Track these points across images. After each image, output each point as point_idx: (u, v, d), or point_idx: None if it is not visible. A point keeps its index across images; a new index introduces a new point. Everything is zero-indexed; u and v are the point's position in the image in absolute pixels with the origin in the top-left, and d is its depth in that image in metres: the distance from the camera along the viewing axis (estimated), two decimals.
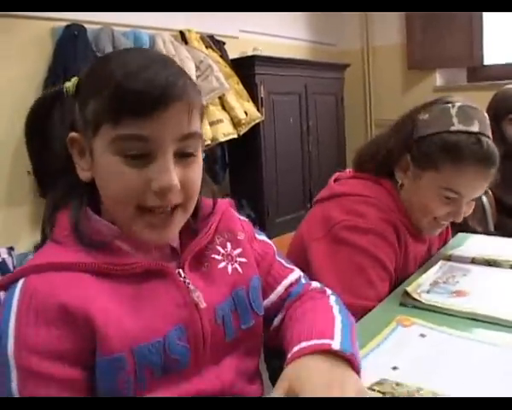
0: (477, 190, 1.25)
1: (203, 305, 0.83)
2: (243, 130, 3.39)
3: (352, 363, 0.76)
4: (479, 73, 4.36)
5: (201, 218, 0.93)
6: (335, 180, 1.44)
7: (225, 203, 1.00)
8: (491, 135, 1.26)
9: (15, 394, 0.69)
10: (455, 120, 1.22)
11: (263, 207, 3.62)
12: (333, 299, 0.97)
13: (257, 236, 1.04)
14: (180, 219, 0.83)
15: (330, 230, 1.27)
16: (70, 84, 0.85)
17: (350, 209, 1.28)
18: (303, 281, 1.04)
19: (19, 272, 0.76)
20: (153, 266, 0.82)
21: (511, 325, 1.01)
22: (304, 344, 0.79)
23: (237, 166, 3.64)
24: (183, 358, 0.81)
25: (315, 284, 1.04)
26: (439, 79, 4.51)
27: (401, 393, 0.78)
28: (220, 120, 3.25)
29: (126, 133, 0.74)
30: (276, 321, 0.98)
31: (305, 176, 4.01)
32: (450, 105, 1.24)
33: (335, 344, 0.77)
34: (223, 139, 3.25)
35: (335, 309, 0.91)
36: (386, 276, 1.24)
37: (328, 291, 1.01)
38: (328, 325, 0.84)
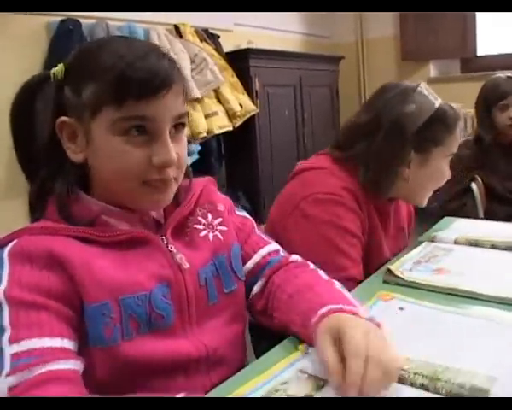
0: None
1: (186, 265, 0.91)
2: (238, 122, 3.43)
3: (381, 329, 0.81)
4: (472, 64, 4.39)
5: (182, 192, 0.99)
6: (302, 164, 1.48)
7: (205, 180, 1.07)
8: None
9: (7, 329, 0.73)
10: (431, 98, 1.32)
11: (259, 198, 3.65)
12: (322, 273, 1.02)
13: (236, 211, 1.10)
14: (174, 187, 0.91)
15: (294, 208, 1.32)
16: (58, 69, 0.88)
17: (310, 181, 1.34)
18: (282, 254, 1.09)
19: (12, 234, 0.83)
20: (137, 234, 0.88)
21: (490, 299, 1.04)
22: (332, 306, 0.84)
23: (233, 158, 3.67)
24: (168, 315, 0.87)
25: (295, 257, 1.08)
26: (432, 70, 4.55)
27: None
28: (215, 113, 3.29)
29: (129, 115, 0.82)
30: (257, 288, 1.03)
31: None
32: (419, 89, 1.32)
33: (362, 312, 0.84)
34: (218, 131, 3.29)
35: (337, 284, 0.97)
36: (354, 241, 1.29)
37: (312, 265, 1.06)
38: (343, 296, 0.90)
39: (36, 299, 0.75)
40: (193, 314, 0.90)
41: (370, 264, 1.33)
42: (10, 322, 0.74)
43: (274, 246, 1.09)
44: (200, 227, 0.98)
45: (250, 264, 1.04)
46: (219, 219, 1.01)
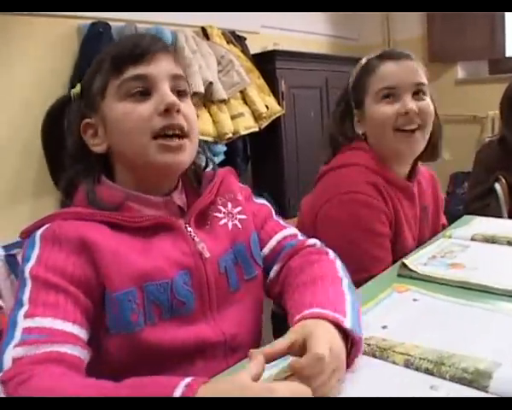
0: (401, 77, 1.35)
1: (207, 255, 0.95)
2: (264, 123, 3.46)
3: (356, 344, 0.79)
4: (501, 65, 4.35)
5: (205, 183, 1.04)
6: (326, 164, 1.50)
7: (225, 170, 1.11)
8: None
9: (26, 304, 0.78)
10: (364, 59, 1.44)
11: (284, 199, 3.67)
12: (339, 265, 1.01)
13: (254, 199, 1.14)
14: (189, 148, 0.95)
15: (319, 210, 1.35)
16: (76, 90, 1.00)
17: (333, 182, 1.37)
18: (300, 237, 1.10)
19: (45, 219, 0.89)
20: (163, 220, 0.93)
21: (504, 293, 1.04)
22: (316, 310, 0.80)
23: (259, 159, 3.70)
24: (189, 301, 0.91)
25: (313, 241, 1.09)
26: (460, 71, 4.52)
27: (385, 345, 0.84)
28: (241, 114, 3.32)
29: (129, 76, 0.92)
30: (272, 274, 1.06)
31: None
32: (361, 60, 1.45)
33: (347, 322, 0.79)
34: (244, 132, 3.31)
35: (345, 283, 0.93)
36: (380, 240, 1.31)
37: (331, 254, 1.05)
38: (341, 301, 0.86)
39: (58, 282, 0.80)
40: (214, 301, 0.95)
41: (394, 250, 1.36)
42: (30, 298, 0.78)
43: (291, 230, 1.11)
44: (220, 215, 1.02)
45: (266, 250, 1.07)
46: (239, 208, 1.05)
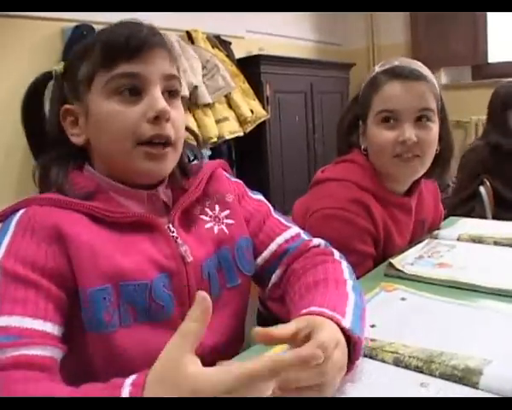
0: (404, 102, 1.27)
1: (190, 259, 0.89)
2: (249, 128, 3.46)
3: (355, 345, 0.74)
4: (483, 71, 4.41)
5: (192, 177, 1.00)
6: (322, 171, 1.47)
7: (216, 164, 1.05)
8: (420, 68, 1.32)
9: None
10: (376, 67, 1.36)
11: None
12: (344, 266, 0.97)
13: (251, 195, 1.09)
14: (172, 156, 0.91)
15: (306, 221, 1.33)
16: (59, 68, 0.95)
17: (322, 196, 1.35)
18: (304, 237, 1.04)
19: (21, 203, 0.83)
20: (143, 217, 0.87)
21: (490, 291, 1.05)
22: (313, 308, 0.77)
23: (243, 163, 3.69)
24: (168, 306, 0.85)
25: (317, 241, 1.04)
26: (444, 77, 4.55)
27: (374, 344, 0.83)
28: (226, 118, 3.32)
29: (119, 72, 0.85)
30: (275, 277, 1.00)
31: (311, 173, 4.04)
32: (372, 72, 1.37)
33: (345, 322, 0.75)
34: (229, 137, 3.31)
35: (349, 285, 0.89)
36: (360, 259, 1.26)
37: (337, 254, 1.01)
38: (342, 302, 0.81)
39: (28, 275, 0.74)
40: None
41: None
42: None
43: (293, 231, 1.04)
44: (207, 219, 0.97)
45: (266, 253, 1.01)
46: (226, 212, 0.99)
